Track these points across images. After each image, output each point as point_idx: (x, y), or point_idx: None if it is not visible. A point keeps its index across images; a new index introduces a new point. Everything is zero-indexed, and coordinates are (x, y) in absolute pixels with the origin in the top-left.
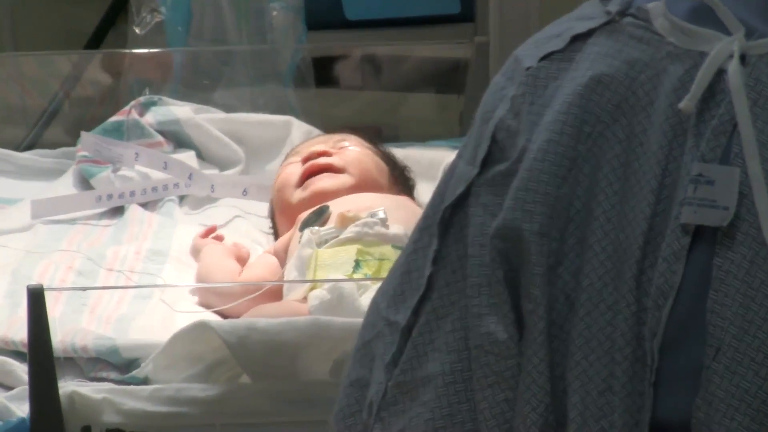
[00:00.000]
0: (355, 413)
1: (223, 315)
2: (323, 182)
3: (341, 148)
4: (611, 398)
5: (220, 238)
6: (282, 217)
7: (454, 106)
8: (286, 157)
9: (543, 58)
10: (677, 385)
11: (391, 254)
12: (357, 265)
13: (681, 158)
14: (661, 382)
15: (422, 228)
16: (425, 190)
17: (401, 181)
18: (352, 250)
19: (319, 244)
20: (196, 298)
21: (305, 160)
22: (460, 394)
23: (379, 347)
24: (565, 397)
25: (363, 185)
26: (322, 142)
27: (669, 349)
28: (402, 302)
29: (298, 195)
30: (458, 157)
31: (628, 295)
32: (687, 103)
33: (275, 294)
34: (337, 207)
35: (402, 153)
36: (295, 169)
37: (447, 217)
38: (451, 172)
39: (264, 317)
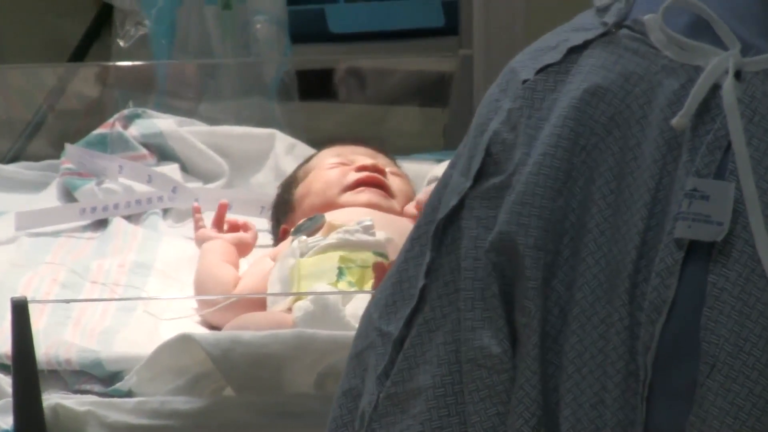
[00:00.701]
0: (347, 423)
1: (214, 324)
2: (379, 198)
3: (389, 172)
4: (603, 412)
5: (232, 224)
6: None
7: (439, 119)
8: (324, 154)
9: (539, 71)
10: (670, 401)
11: (372, 261)
12: (340, 272)
13: (675, 172)
14: (654, 396)
15: (414, 238)
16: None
17: None
18: (334, 258)
19: (304, 254)
20: (181, 311)
21: (361, 169)
22: (451, 407)
23: (371, 358)
24: (558, 410)
25: (400, 213)
26: (369, 155)
27: (662, 364)
28: (394, 313)
29: (348, 197)
30: (451, 167)
31: (621, 309)
32: (680, 120)
33: (262, 302)
34: (330, 217)
35: (405, 167)
36: (346, 172)
37: (440, 230)
38: (444, 182)
39: (248, 327)
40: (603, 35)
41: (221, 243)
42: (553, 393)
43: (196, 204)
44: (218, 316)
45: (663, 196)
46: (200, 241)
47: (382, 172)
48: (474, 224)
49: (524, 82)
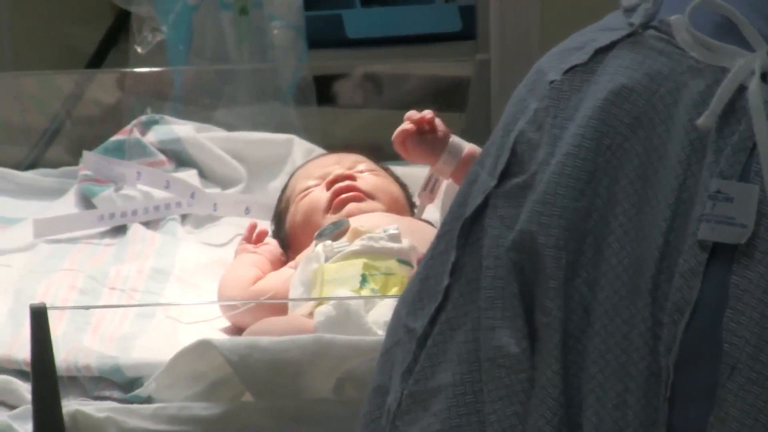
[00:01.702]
0: (375, 419)
1: (237, 326)
2: (357, 205)
3: (359, 171)
4: (626, 412)
5: (262, 235)
6: (306, 241)
7: (456, 124)
8: (296, 179)
9: (566, 71)
10: (692, 401)
11: (397, 268)
12: (363, 279)
13: (699, 174)
14: (676, 397)
15: (440, 235)
16: (427, 209)
17: (410, 203)
18: (358, 265)
19: (328, 258)
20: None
21: (330, 184)
22: (470, 405)
23: (398, 354)
24: (580, 411)
25: (391, 211)
26: (336, 163)
27: (684, 364)
28: (420, 309)
29: (330, 219)
30: (479, 164)
31: (643, 309)
32: (705, 120)
33: (283, 306)
34: (356, 222)
35: (403, 171)
36: (320, 194)
37: (466, 228)
38: (471, 179)
39: (270, 331)
40: (629, 36)
41: (257, 256)
42: (575, 393)
43: (253, 222)
44: (239, 317)
45: (687, 197)
46: (239, 253)
47: (349, 177)
48: (497, 223)
49: (551, 82)
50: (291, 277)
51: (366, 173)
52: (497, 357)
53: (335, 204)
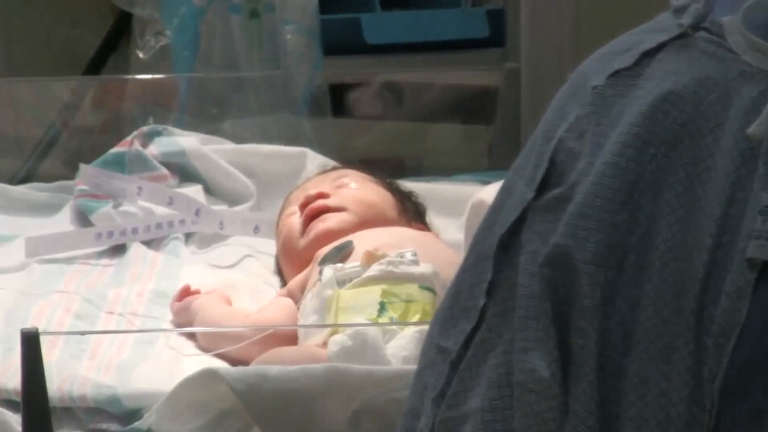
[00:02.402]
0: None
1: (237, 361)
2: (323, 223)
3: (340, 186)
4: None
5: (196, 293)
6: (293, 270)
7: (483, 137)
8: (283, 208)
9: (610, 76)
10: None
11: (418, 295)
12: (382, 307)
13: (750, 187)
14: (721, 428)
15: (473, 246)
16: (450, 227)
17: (410, 209)
18: (376, 291)
19: (341, 283)
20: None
21: (303, 206)
22: None
23: (430, 376)
24: None
25: (368, 221)
26: (319, 182)
27: (730, 392)
28: (453, 327)
29: (302, 242)
30: (515, 173)
31: (686, 332)
32: (757, 129)
33: (291, 338)
34: (360, 242)
35: (426, 188)
36: (296, 219)
37: (504, 244)
38: (507, 191)
39: (281, 361)
40: (678, 38)
41: (211, 296)
42: (612, 422)
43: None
44: (245, 350)
45: (736, 211)
46: (183, 313)
47: (320, 195)
48: (534, 238)
49: (594, 87)
50: (292, 306)
51: (348, 187)
52: (528, 381)
53: (305, 223)
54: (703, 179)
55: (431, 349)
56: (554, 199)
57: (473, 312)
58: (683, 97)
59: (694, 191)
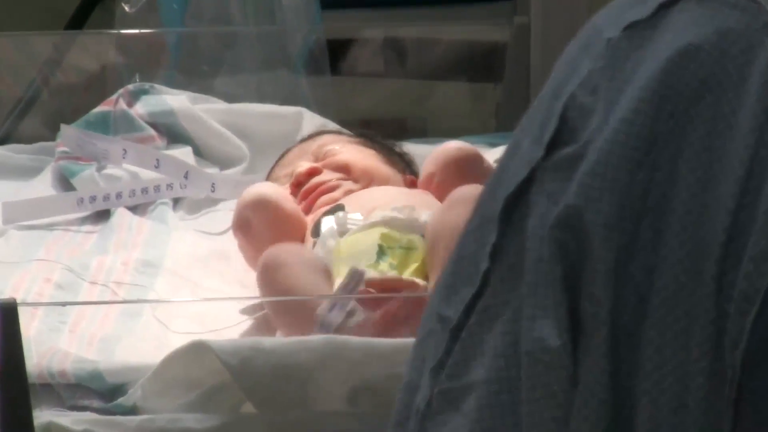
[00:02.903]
0: (403, 421)
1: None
2: (329, 196)
3: (325, 155)
4: (685, 417)
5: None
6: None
7: (490, 97)
8: (269, 177)
9: (625, 28)
10: (762, 404)
11: (420, 244)
12: (381, 251)
13: None
14: (743, 400)
15: (476, 209)
16: None
17: (397, 161)
18: (374, 234)
19: (343, 233)
20: (193, 317)
21: (294, 188)
22: (505, 406)
23: (430, 347)
24: (633, 414)
25: (366, 185)
26: (300, 156)
27: (753, 362)
28: (454, 294)
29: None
30: (521, 131)
31: (707, 299)
32: None
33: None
34: (352, 204)
35: (430, 150)
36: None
37: (509, 206)
38: (512, 150)
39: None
40: None
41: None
42: (627, 395)
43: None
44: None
45: (759, 171)
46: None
47: (312, 172)
48: (543, 200)
49: (608, 40)
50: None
51: (335, 157)
52: (536, 350)
53: (304, 208)
54: (725, 138)
55: (431, 318)
56: (566, 157)
57: (476, 277)
58: (704, 50)
59: (714, 150)
